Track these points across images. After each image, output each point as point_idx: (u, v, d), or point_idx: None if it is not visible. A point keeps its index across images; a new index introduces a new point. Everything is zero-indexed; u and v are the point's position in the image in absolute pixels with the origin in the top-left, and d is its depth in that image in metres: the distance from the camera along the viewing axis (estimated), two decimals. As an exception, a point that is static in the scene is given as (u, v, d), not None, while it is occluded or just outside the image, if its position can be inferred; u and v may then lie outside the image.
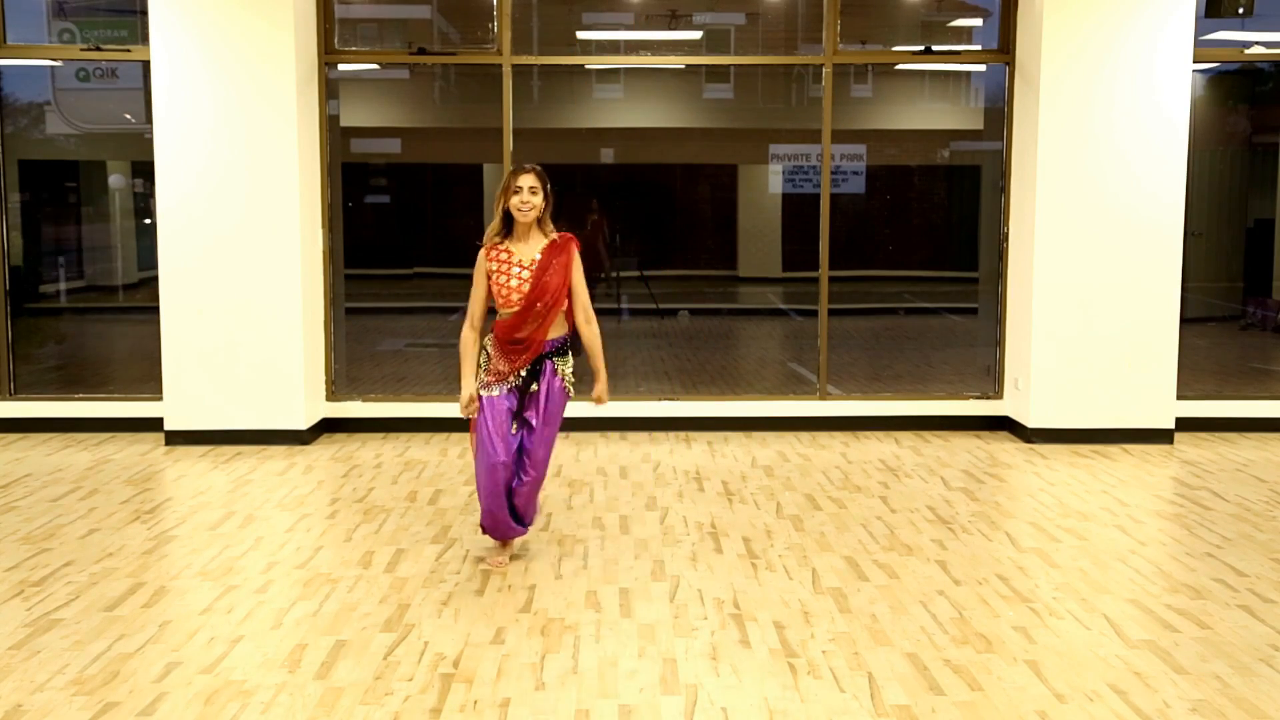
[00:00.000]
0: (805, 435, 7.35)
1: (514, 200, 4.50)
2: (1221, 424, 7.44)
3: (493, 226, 4.60)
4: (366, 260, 9.04)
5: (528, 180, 4.49)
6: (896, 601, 4.31)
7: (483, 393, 4.56)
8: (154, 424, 7.20)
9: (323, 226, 7.29)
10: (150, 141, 6.95)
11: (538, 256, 4.53)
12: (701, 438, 7.26)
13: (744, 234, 10.10)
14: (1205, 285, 9.57)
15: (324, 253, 7.31)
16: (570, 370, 4.66)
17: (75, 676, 3.61)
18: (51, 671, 3.65)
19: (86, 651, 3.81)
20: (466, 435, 7.34)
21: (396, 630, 4.01)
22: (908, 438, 7.27)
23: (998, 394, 7.58)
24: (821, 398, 7.60)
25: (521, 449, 4.59)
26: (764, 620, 4.11)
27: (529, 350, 4.52)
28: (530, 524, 4.82)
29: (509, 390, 4.56)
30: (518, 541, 4.92)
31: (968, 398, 7.63)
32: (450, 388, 8.50)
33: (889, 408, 7.51)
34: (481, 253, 4.59)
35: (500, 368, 4.55)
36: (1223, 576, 4.61)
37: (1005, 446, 7.06)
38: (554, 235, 4.61)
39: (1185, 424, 7.28)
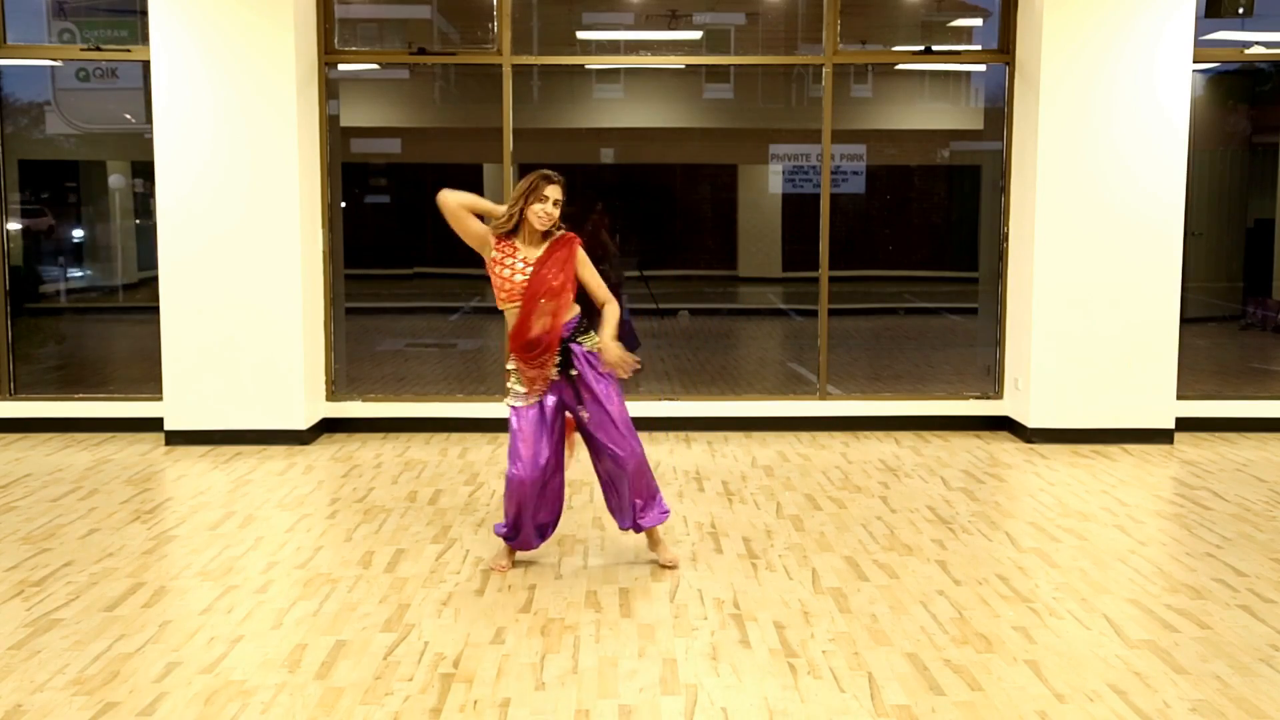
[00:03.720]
0: (805, 435, 7.35)
1: (536, 208, 4.40)
2: (1221, 424, 7.44)
3: (501, 219, 4.49)
4: (366, 260, 9.03)
5: (555, 192, 4.42)
6: (896, 601, 4.31)
7: (514, 404, 4.52)
8: (154, 424, 7.20)
9: (323, 226, 7.29)
10: (150, 141, 6.95)
11: (540, 254, 4.49)
12: (701, 438, 7.26)
13: (744, 234, 10.09)
14: (1205, 285, 9.56)
15: (324, 253, 7.31)
16: (596, 342, 4.56)
17: (75, 676, 3.61)
18: (51, 671, 3.65)
19: (86, 651, 3.81)
20: (467, 435, 7.34)
21: (396, 630, 4.01)
22: (908, 438, 7.27)
23: (998, 394, 7.58)
24: (821, 398, 7.60)
25: (595, 443, 4.56)
26: (764, 620, 4.11)
27: (548, 348, 4.45)
28: (651, 515, 4.68)
29: (545, 396, 4.51)
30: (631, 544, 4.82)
31: (968, 398, 7.63)
32: (450, 388, 8.49)
33: (889, 408, 7.51)
34: (489, 231, 4.51)
35: (530, 376, 4.48)
36: (1223, 576, 4.61)
37: (1005, 446, 7.06)
38: (556, 234, 4.55)
39: (1185, 424, 7.28)
